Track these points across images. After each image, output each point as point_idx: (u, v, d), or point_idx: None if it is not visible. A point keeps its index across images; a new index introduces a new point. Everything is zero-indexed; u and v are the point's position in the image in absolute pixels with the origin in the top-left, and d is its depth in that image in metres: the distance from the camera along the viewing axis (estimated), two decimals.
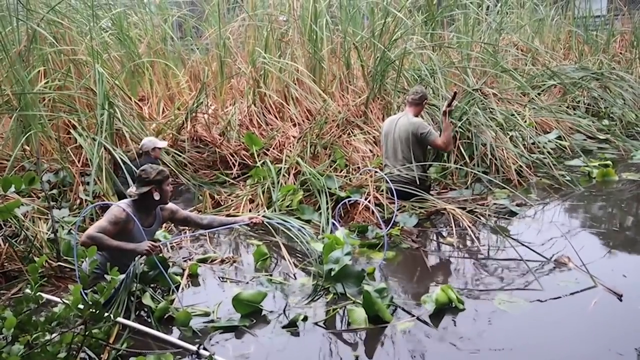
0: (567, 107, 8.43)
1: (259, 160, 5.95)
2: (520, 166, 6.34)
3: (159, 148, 5.57)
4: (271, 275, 4.09)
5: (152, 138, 5.65)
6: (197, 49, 8.09)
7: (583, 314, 3.56)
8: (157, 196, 3.78)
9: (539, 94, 8.42)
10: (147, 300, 3.54)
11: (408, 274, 4.24)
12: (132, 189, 3.81)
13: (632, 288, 3.79)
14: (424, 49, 7.81)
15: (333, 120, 6.49)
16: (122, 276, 3.32)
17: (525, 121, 7.33)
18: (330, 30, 7.50)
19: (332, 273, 3.78)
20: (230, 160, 6.21)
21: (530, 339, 3.31)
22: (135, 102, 6.68)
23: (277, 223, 4.41)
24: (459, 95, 6.66)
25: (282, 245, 4.49)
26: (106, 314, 2.78)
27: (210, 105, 6.96)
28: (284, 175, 5.54)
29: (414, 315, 3.51)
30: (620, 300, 3.68)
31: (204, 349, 2.92)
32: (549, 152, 6.80)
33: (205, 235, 4.74)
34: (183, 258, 4.29)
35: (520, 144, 6.77)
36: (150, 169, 3.80)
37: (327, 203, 5.07)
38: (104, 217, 3.72)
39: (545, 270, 4.18)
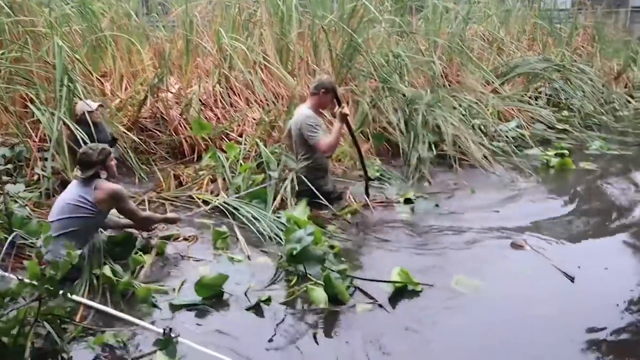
0: (529, 98, 8.60)
1: (216, 144, 5.88)
2: (482, 155, 6.44)
3: (91, 111, 5.23)
4: (232, 254, 4.07)
5: (82, 102, 5.36)
6: (163, 26, 7.91)
7: (536, 295, 3.67)
8: (104, 175, 3.70)
9: (502, 83, 8.55)
10: (108, 272, 3.49)
11: (367, 255, 4.29)
12: (77, 173, 3.72)
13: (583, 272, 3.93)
14: (392, 35, 7.82)
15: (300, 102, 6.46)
16: (80, 251, 3.24)
17: (489, 110, 7.45)
18: (299, 12, 7.43)
19: (294, 253, 3.79)
20: (186, 143, 6.11)
21: (485, 319, 3.40)
22: (96, 77, 6.50)
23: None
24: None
25: (236, 228, 4.45)
26: (62, 291, 2.72)
27: (175, 84, 6.83)
28: (245, 158, 5.48)
29: (372, 298, 3.55)
30: (572, 282, 3.82)
31: (170, 330, 2.89)
32: (509, 141, 6.94)
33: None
34: (148, 235, 4.23)
35: (481, 132, 6.90)
36: (91, 151, 3.69)
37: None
38: (125, 200, 3.78)
39: (503, 252, 4.29)
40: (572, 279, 3.86)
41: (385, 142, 6.58)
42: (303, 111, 4.94)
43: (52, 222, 3.53)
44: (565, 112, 8.56)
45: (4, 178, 4.38)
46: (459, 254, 4.27)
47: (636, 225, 4.95)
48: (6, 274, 3.35)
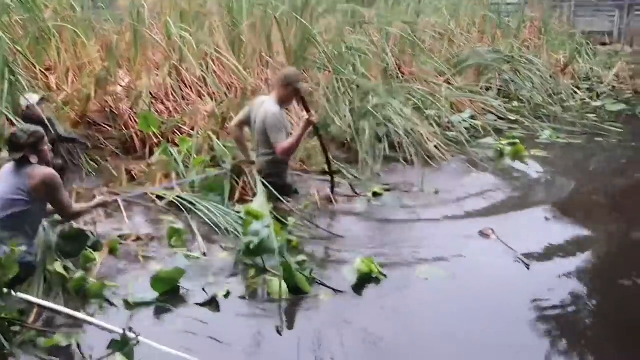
0: (481, 89, 8.74)
1: (168, 138, 5.73)
2: (436, 146, 6.49)
3: (34, 105, 5.01)
4: (189, 251, 3.96)
5: (24, 97, 5.11)
6: (110, 18, 7.65)
7: (497, 281, 3.73)
8: (34, 159, 3.42)
9: (454, 74, 8.67)
10: (59, 269, 3.34)
11: (327, 248, 4.25)
12: (4, 155, 3.48)
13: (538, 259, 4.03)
14: (345, 26, 7.80)
15: (252, 94, 6.36)
16: (24, 248, 3.06)
17: (442, 101, 7.53)
18: (250, 3, 7.32)
19: (252, 246, 3.71)
20: (137, 137, 5.92)
21: (449, 307, 3.41)
22: (40, 70, 6.22)
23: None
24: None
25: (192, 223, 4.34)
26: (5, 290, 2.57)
27: (124, 77, 6.62)
28: (198, 152, 5.35)
29: (334, 289, 3.51)
30: (528, 269, 3.89)
31: (131, 330, 2.77)
32: (462, 131, 7.03)
33: (122, 212, 4.51)
34: (100, 234, 4.07)
35: (435, 123, 6.97)
36: (21, 133, 3.43)
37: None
38: (58, 190, 3.45)
39: (464, 242, 4.32)
40: (527, 266, 3.93)
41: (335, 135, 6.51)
42: (269, 107, 4.66)
43: None
44: (515, 103, 8.76)
45: None
46: (421, 245, 4.26)
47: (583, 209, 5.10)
48: None
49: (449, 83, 8.30)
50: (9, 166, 3.50)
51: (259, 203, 4.27)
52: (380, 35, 8.18)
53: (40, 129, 3.58)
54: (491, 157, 6.64)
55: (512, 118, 8.22)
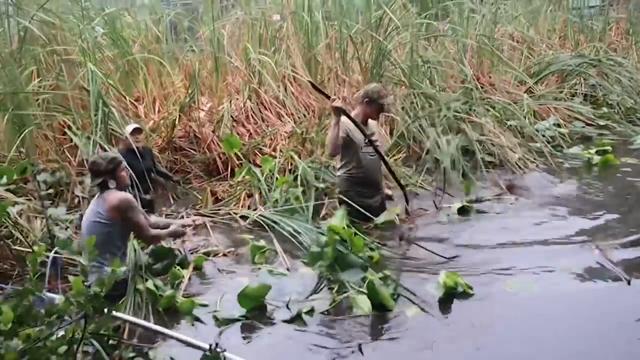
0: (565, 95, 8.38)
1: (248, 159, 5.88)
2: (521, 157, 6.27)
3: (131, 134, 5.34)
4: (272, 267, 4.02)
5: (127, 127, 5.48)
6: (192, 49, 8.03)
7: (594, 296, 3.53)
8: (112, 184, 3.68)
9: (536, 82, 8.37)
10: (150, 287, 3.51)
11: (411, 261, 4.18)
12: (88, 183, 3.76)
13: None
14: (420, 40, 7.75)
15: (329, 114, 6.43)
16: (124, 268, 3.24)
17: (524, 110, 7.28)
18: (325, 24, 7.45)
19: (335, 263, 3.72)
20: (219, 159, 6.12)
21: (543, 324, 3.25)
22: (130, 101, 6.61)
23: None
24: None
25: (275, 242, 4.41)
26: (106, 309, 2.71)
27: (206, 103, 6.89)
28: (279, 172, 5.46)
29: (417, 305, 3.45)
30: (629, 284, 3.65)
31: (217, 345, 2.85)
32: (547, 140, 6.75)
33: (208, 230, 4.67)
34: (189, 251, 4.24)
35: (518, 133, 6.75)
36: (100, 160, 3.69)
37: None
38: (133, 213, 3.67)
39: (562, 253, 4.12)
40: (628, 282, 3.68)
41: (417, 149, 6.43)
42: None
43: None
44: (604, 109, 8.31)
45: (46, 202, 4.46)
46: (509, 258, 4.10)
47: None
48: (55, 296, 3.37)
49: (530, 92, 8.02)
50: (96, 192, 3.78)
51: (338, 218, 4.29)
52: (456, 47, 8.06)
53: (117, 155, 3.83)
54: (579, 166, 6.33)
55: (601, 123, 7.81)
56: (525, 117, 7.05)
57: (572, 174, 6.07)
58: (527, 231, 4.59)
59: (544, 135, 6.85)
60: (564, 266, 3.91)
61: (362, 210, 4.61)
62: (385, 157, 5.06)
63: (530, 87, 8.12)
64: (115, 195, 3.65)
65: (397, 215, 4.83)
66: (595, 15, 11.78)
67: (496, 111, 7.08)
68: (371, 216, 4.67)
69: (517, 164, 6.13)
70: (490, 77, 8.19)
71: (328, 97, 4.68)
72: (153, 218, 4.19)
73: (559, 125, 7.36)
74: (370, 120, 4.76)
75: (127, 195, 3.74)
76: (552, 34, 10.41)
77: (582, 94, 8.66)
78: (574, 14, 11.01)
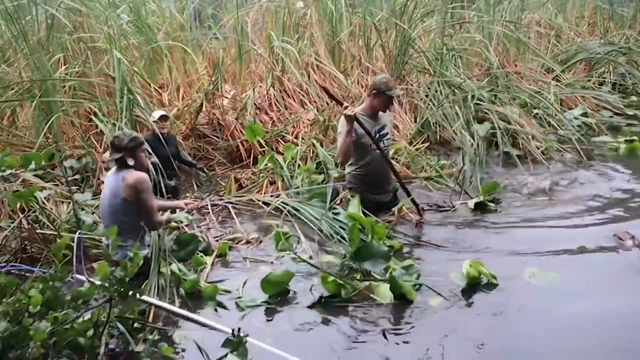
0: (593, 84, 8.21)
1: (271, 147, 5.90)
2: (547, 146, 6.17)
3: (156, 121, 5.40)
4: (295, 254, 4.03)
5: (154, 113, 5.53)
6: (216, 36, 8.05)
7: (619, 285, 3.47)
8: (130, 162, 3.73)
9: (563, 70, 8.21)
10: (175, 269, 3.57)
11: (432, 250, 4.16)
12: (106, 155, 3.79)
13: None
14: (445, 28, 7.65)
15: (353, 103, 6.40)
16: (145, 251, 3.30)
17: (550, 99, 7.16)
18: (349, 11, 7.40)
19: (358, 251, 3.72)
20: (242, 147, 6.15)
21: (565, 317, 3.21)
22: (154, 88, 6.66)
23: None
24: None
25: (298, 228, 4.42)
26: (131, 292, 2.75)
27: (230, 90, 6.91)
28: (301, 159, 5.46)
29: (443, 296, 3.43)
30: None
31: (239, 330, 2.88)
32: (575, 129, 6.62)
33: (233, 217, 4.70)
34: (214, 237, 4.28)
35: (545, 122, 6.64)
36: (123, 136, 3.77)
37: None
38: (146, 194, 3.71)
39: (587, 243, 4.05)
40: None
41: (442, 136, 6.37)
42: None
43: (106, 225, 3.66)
44: (633, 97, 8.13)
45: (73, 188, 4.53)
46: (534, 248, 4.03)
47: None
48: (82, 277, 3.44)
49: (557, 80, 7.87)
50: (111, 171, 3.84)
51: (353, 207, 4.27)
52: (482, 35, 7.94)
53: (140, 135, 3.91)
54: (606, 155, 6.21)
55: (630, 113, 7.64)
56: (552, 106, 6.93)
57: (599, 163, 5.97)
58: (551, 221, 4.53)
59: (572, 126, 6.72)
60: (588, 256, 3.86)
61: (372, 206, 4.48)
62: (391, 161, 4.91)
63: (557, 75, 7.97)
64: (134, 174, 3.73)
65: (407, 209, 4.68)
66: (626, 2, 11.48)
67: (522, 99, 6.97)
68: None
69: (542, 152, 6.05)
70: (516, 65, 8.06)
71: (340, 103, 4.46)
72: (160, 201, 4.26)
73: (586, 115, 7.22)
74: (380, 113, 4.60)
75: (145, 176, 3.80)
76: (581, 21, 10.20)
77: (610, 82, 8.49)
78: (603, 0, 10.75)
